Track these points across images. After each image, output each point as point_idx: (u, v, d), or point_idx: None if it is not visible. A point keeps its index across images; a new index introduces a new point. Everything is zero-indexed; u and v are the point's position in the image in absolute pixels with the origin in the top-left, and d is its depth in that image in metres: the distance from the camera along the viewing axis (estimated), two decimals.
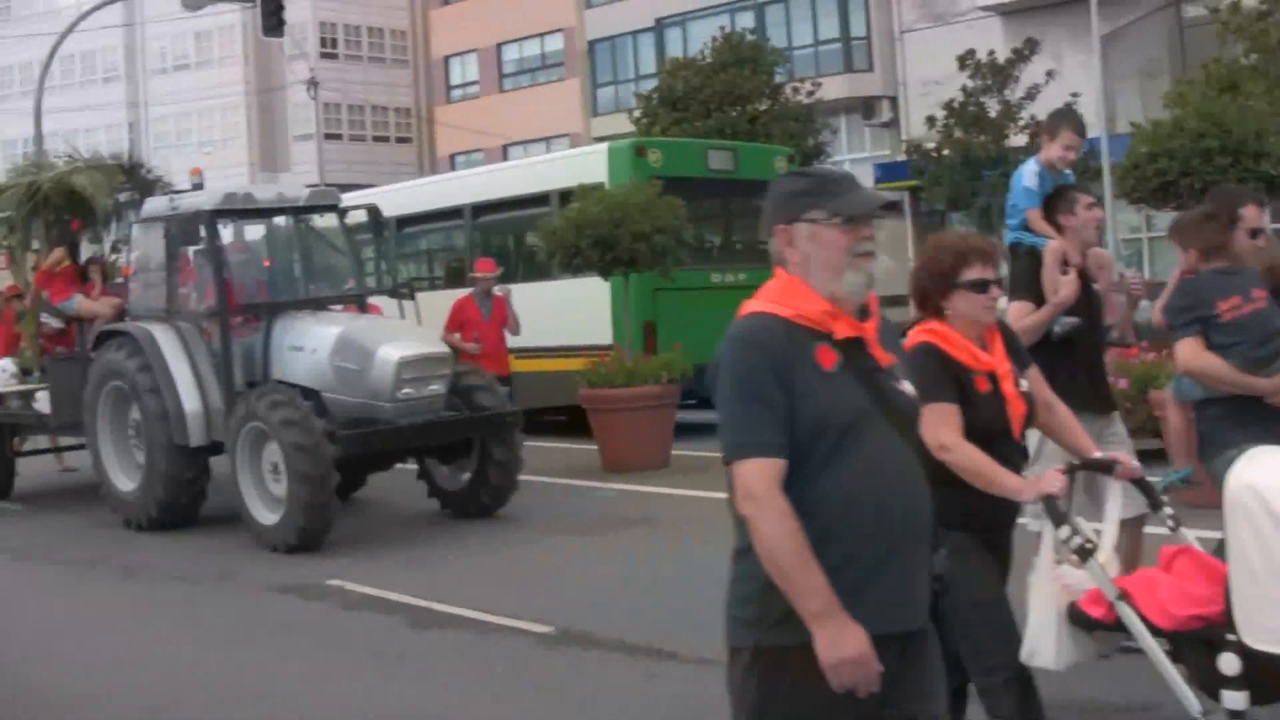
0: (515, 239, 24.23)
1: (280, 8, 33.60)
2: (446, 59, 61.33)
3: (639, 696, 8.34)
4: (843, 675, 4.02)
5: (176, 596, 12.23)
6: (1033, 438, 6.56)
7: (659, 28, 50.29)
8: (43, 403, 17.28)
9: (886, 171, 43.12)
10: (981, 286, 5.59)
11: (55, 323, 17.86)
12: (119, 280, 17.96)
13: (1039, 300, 7.72)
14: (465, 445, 14.75)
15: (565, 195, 20.26)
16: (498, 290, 18.82)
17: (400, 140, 65.84)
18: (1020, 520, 5.84)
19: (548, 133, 53.21)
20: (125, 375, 15.24)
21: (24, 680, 9.60)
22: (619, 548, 13.08)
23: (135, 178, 19.08)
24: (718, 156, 22.93)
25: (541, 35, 56.45)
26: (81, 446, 19.18)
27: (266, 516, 13.65)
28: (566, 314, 20.91)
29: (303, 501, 13.10)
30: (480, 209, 24.02)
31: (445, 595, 11.19)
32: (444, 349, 14.81)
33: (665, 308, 20.60)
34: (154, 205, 16.08)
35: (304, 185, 15.95)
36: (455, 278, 23.05)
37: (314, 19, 63.35)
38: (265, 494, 13.78)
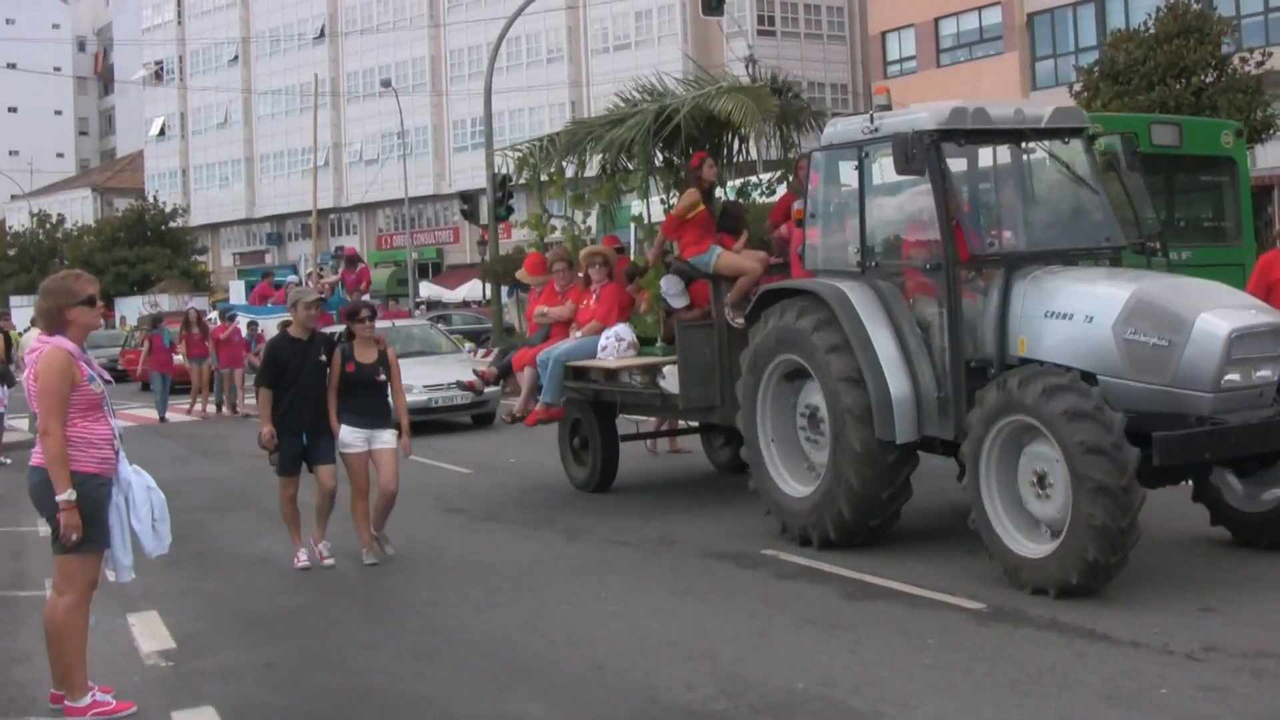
0: None
1: None
2: (883, 34, 61.10)
3: (1070, 674, 8.34)
4: None
5: (618, 559, 12.73)
6: None
7: None
8: (670, 380, 14.49)
9: None
10: None
11: (678, 300, 14.98)
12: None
13: None
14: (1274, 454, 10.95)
15: None
16: None
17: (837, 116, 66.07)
18: None
19: None
20: (805, 348, 12.30)
21: (472, 633, 10.19)
22: None
23: (783, 103, 15.95)
24: (1161, 131, 22.20)
25: (979, 9, 55.66)
26: (688, 431, 17.96)
27: (1029, 546, 10.47)
28: None
29: (1095, 525, 9.75)
30: None
31: (877, 569, 11.37)
32: None
33: None
34: (843, 128, 12.87)
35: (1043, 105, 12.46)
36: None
37: None
38: (1020, 515, 10.62)
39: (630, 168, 16.54)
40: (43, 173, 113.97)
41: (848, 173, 12.53)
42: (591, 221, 17.59)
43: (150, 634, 10.48)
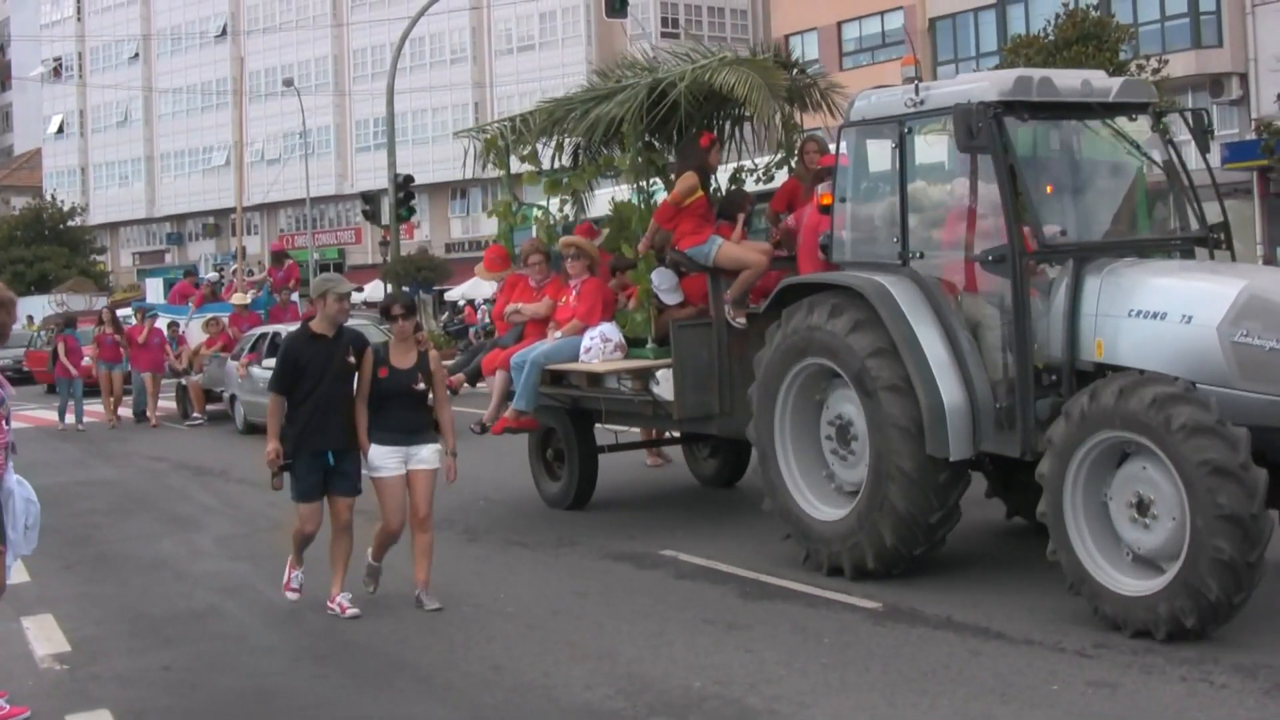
0: None
1: None
2: (787, 37, 61.36)
3: (964, 672, 8.47)
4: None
5: (517, 560, 12.74)
6: None
7: (1001, 4, 49.51)
8: (664, 386, 12.97)
9: (1235, 151, 41.71)
10: None
11: (671, 295, 13.44)
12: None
13: None
14: None
15: None
16: None
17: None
18: None
19: None
20: (840, 352, 10.74)
21: (371, 635, 10.16)
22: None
23: (791, 80, 14.15)
24: None
25: (882, 13, 55.99)
26: (671, 441, 16.22)
27: (1127, 583, 9.08)
28: None
29: (1222, 559, 8.43)
30: None
31: (775, 569, 11.42)
32: None
33: None
34: (879, 101, 11.16)
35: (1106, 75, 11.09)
36: None
37: None
38: (1115, 553, 9.24)
39: (607, 150, 15.27)
40: None
41: (883, 152, 11.02)
42: (568, 209, 15.69)
43: (45, 638, 10.37)
